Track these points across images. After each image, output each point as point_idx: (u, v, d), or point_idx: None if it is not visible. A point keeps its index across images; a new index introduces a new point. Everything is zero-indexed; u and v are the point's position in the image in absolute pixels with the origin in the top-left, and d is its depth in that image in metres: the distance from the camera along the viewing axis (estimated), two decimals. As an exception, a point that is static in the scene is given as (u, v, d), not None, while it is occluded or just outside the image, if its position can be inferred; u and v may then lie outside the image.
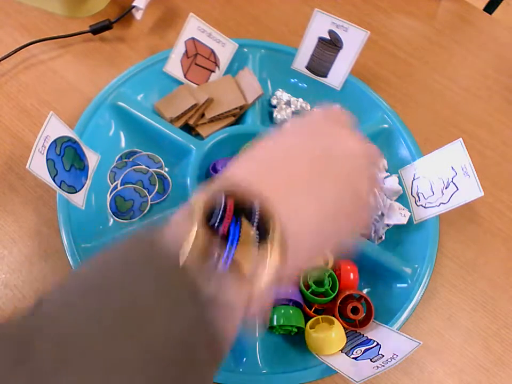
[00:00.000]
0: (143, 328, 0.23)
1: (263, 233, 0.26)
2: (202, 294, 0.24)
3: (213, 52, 0.63)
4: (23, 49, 0.65)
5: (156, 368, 0.22)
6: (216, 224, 0.26)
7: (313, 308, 0.51)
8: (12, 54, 0.64)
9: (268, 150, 0.32)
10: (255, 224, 0.26)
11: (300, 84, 0.67)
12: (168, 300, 0.24)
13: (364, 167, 0.33)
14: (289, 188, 0.29)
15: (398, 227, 0.57)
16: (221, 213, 0.26)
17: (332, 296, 0.50)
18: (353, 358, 0.46)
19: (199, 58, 0.63)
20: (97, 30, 0.68)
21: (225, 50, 0.63)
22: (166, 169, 0.58)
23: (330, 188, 0.30)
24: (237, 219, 0.26)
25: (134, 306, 0.23)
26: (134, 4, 0.68)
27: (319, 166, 0.31)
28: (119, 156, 0.57)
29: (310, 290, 0.50)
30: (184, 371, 0.24)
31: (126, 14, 0.69)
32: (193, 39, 0.62)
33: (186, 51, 0.63)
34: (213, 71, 0.64)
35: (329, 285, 0.50)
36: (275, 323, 0.49)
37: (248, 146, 0.55)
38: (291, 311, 0.49)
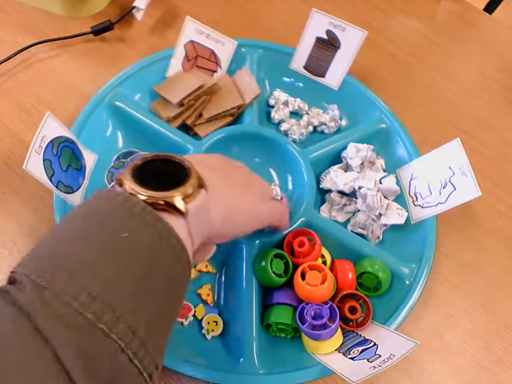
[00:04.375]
0: (123, 243, 0.30)
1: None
2: (150, 216, 0.32)
3: (213, 52, 0.63)
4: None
5: (134, 268, 0.30)
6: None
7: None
8: (14, 56, 0.64)
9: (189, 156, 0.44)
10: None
11: (298, 84, 0.67)
12: (132, 224, 0.31)
13: (248, 173, 0.49)
14: (202, 167, 0.38)
15: (395, 227, 0.57)
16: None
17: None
18: (350, 358, 0.46)
19: (199, 60, 0.63)
20: (98, 31, 0.68)
21: (225, 49, 0.63)
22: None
23: (228, 173, 0.43)
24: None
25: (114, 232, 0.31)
26: (134, 4, 0.68)
27: (220, 166, 0.44)
28: (116, 156, 0.58)
29: None
30: (154, 268, 0.31)
31: (126, 15, 0.69)
32: (192, 41, 0.62)
33: (186, 54, 0.63)
34: (215, 71, 0.64)
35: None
36: (272, 320, 0.49)
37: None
38: (288, 311, 0.49)
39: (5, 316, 0.27)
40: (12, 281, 0.29)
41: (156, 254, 0.31)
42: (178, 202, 0.33)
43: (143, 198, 0.32)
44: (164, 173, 0.36)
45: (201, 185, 0.36)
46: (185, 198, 0.34)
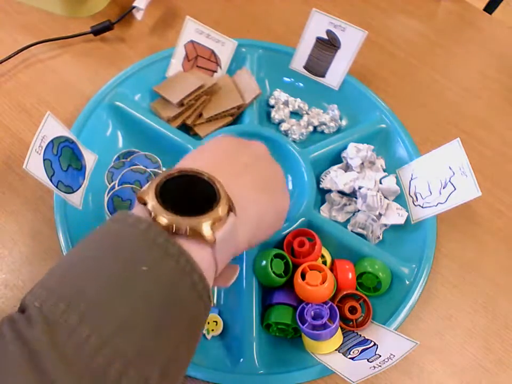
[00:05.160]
0: (142, 277, 0.28)
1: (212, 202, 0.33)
2: (174, 249, 0.30)
3: (213, 52, 0.63)
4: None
5: (153, 306, 0.28)
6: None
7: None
8: (14, 55, 0.64)
9: (206, 152, 0.42)
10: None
11: (298, 84, 0.67)
12: (154, 255, 0.29)
13: (268, 158, 0.45)
14: (226, 171, 0.37)
15: (395, 227, 0.57)
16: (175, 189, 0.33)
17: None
18: (350, 358, 0.46)
19: (200, 60, 0.63)
20: (98, 30, 0.68)
21: (225, 49, 0.63)
22: (164, 169, 0.58)
23: (252, 170, 0.40)
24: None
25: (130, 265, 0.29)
26: (134, 4, 0.68)
27: (242, 161, 0.41)
28: (116, 155, 0.57)
29: None
30: (173, 307, 0.28)
31: (126, 15, 0.69)
32: (192, 41, 0.62)
33: (186, 54, 0.63)
34: (215, 71, 0.64)
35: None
36: (272, 319, 0.49)
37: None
38: (288, 311, 0.49)
39: (13, 352, 0.25)
40: (23, 309, 0.28)
41: (176, 291, 0.29)
42: (206, 231, 0.31)
43: (165, 221, 0.30)
44: (187, 188, 0.34)
45: (230, 208, 0.33)
46: (213, 224, 0.31)
